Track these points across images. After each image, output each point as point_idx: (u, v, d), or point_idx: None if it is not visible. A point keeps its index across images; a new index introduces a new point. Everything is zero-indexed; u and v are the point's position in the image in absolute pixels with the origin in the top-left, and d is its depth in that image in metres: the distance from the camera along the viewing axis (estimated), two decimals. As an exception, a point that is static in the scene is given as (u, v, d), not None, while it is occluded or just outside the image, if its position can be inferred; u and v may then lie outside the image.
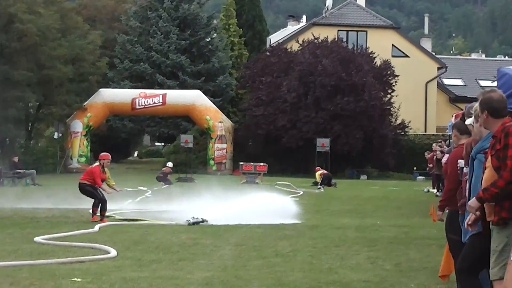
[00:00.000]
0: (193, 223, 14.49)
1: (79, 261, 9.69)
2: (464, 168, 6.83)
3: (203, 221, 14.68)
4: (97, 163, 15.87)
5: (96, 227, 13.67)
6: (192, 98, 41.38)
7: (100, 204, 15.64)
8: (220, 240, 12.37)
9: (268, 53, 45.18)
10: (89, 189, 15.61)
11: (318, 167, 32.82)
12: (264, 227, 14.27)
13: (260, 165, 33.28)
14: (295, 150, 40.45)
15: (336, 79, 39.83)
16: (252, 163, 33.66)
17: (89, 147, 41.34)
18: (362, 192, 27.27)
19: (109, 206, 15.94)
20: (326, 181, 30.29)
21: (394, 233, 13.82)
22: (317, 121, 39.92)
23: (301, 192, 25.73)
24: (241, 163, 34.18)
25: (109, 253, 10.36)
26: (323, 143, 37.58)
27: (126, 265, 9.64)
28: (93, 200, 15.69)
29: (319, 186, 29.36)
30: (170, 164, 31.81)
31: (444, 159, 13.36)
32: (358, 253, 11.07)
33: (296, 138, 40.13)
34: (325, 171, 31.79)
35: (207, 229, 13.95)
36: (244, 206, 15.55)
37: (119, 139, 50.20)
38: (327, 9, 52.18)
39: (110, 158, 16.12)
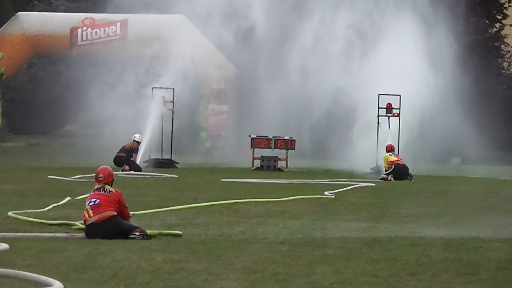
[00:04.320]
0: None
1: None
2: None
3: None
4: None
5: (4, 245, 11.03)
6: (170, 26, 35.20)
7: None
8: (218, 264, 9.80)
9: None
10: None
11: (390, 145, 26.08)
12: (291, 243, 11.52)
13: (285, 140, 28.18)
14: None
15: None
16: (270, 137, 28.51)
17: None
18: (453, 184, 23.89)
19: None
20: (398, 176, 24.98)
21: (507, 253, 11.05)
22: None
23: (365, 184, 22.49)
24: (252, 136, 29.02)
25: (51, 285, 8.62)
26: (388, 104, 28.15)
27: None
28: None
29: (385, 173, 24.98)
30: (138, 137, 27.07)
31: None
32: (449, 286, 9.06)
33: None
34: (400, 160, 25.51)
35: (198, 246, 11.15)
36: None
37: (50, 96, 43.57)
38: None
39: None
